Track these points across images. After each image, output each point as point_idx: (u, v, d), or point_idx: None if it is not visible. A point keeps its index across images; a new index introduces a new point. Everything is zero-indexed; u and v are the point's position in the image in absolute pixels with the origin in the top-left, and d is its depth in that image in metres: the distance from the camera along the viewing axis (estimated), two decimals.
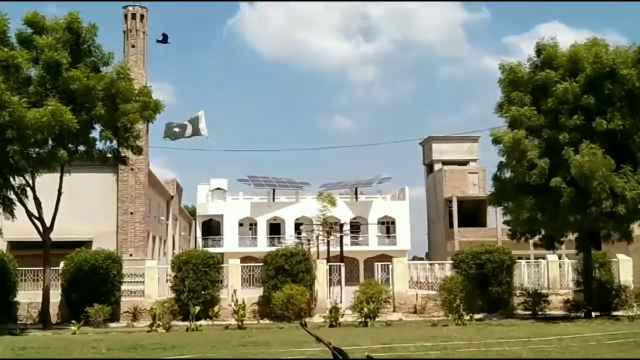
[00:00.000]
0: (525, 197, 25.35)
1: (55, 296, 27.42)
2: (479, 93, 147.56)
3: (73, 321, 24.64)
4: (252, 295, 28.92)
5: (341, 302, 29.01)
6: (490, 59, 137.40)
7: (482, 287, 28.44)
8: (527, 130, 25.31)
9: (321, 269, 30.14)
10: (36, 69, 24.53)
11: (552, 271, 31.59)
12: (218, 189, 74.58)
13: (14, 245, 34.64)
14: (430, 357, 14.80)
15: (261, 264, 29.67)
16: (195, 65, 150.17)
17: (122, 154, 27.57)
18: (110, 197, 39.62)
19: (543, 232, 27.64)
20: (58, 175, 26.14)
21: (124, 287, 28.74)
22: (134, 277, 30.30)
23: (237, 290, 28.39)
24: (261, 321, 27.21)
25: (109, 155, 27.20)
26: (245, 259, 41.65)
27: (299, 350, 15.72)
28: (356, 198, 75.52)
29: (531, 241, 29.35)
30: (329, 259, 40.48)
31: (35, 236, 26.65)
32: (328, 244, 51.68)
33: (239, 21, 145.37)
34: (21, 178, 25.70)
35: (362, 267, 66.44)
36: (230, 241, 71.14)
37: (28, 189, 26.01)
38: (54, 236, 26.82)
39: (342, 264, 33.62)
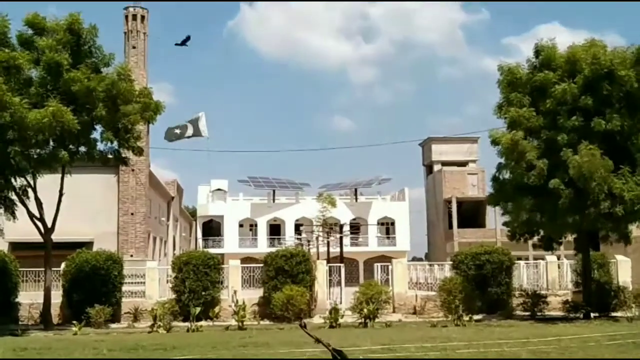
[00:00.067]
0: (524, 198, 25.34)
1: (57, 297, 27.42)
2: (479, 93, 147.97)
3: (74, 322, 24.62)
4: (253, 296, 28.93)
5: (341, 303, 29.03)
6: (489, 59, 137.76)
7: (482, 288, 28.43)
8: (526, 131, 25.30)
9: (321, 270, 30.14)
10: (37, 70, 24.52)
11: (551, 272, 31.61)
12: (218, 189, 74.64)
13: (15, 246, 34.62)
14: (430, 357, 14.79)
15: (261, 265, 29.67)
16: (195, 66, 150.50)
17: (123, 155, 27.55)
18: (111, 198, 39.63)
19: (542, 233, 27.63)
20: (59, 176, 26.14)
21: (124, 288, 28.74)
22: (134, 278, 30.31)
23: (237, 291, 28.40)
24: (261, 322, 27.22)
25: (109, 156, 27.18)
26: (246, 259, 41.65)
27: (299, 351, 15.70)
28: (356, 199, 75.56)
29: (530, 242, 29.33)
30: (328, 260, 40.48)
31: (36, 237, 26.65)
32: (328, 244, 51.68)
33: (239, 21, 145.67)
34: (22, 179, 25.68)
35: (362, 268, 66.44)
36: (230, 242, 71.18)
37: (29, 189, 26.00)
38: (55, 237, 26.82)
39: (342, 264, 33.61)
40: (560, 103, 24.72)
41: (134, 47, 40.80)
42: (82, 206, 35.97)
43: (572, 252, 30.41)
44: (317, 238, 55.77)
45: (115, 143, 26.53)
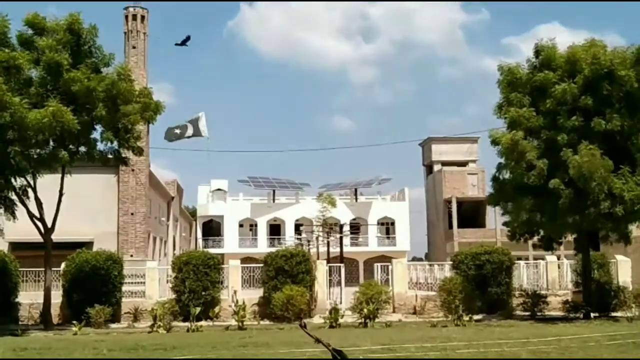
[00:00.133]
0: (524, 198, 25.34)
1: (57, 297, 27.42)
2: (479, 93, 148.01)
3: (74, 322, 24.62)
4: (253, 296, 28.93)
5: (341, 303, 29.03)
6: (489, 59, 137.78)
7: (482, 288, 28.44)
8: (526, 131, 25.30)
9: (321, 270, 30.15)
10: (37, 70, 24.52)
11: (551, 272, 31.61)
12: (218, 189, 74.65)
13: (15, 246, 34.62)
14: (430, 357, 14.80)
15: (261, 265, 29.68)
16: (195, 66, 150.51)
17: (123, 155, 27.55)
18: (111, 198, 39.63)
19: (542, 233, 27.63)
20: (59, 176, 26.15)
21: (124, 288, 28.74)
22: (134, 278, 30.31)
23: (237, 291, 28.40)
24: (261, 322, 27.22)
25: (109, 156, 27.18)
26: (246, 259, 41.65)
27: (299, 351, 15.70)
28: (356, 199, 75.57)
29: (530, 242, 29.34)
30: (328, 260, 40.49)
31: (36, 237, 26.66)
32: (328, 244, 51.69)
33: (239, 21, 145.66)
34: (22, 179, 25.68)
35: (362, 268, 66.44)
36: (230, 242, 71.19)
37: (29, 189, 26.00)
38: (55, 237, 26.82)
39: (342, 264, 33.62)
40: (560, 103, 24.72)
41: (134, 47, 40.80)
42: (82, 206, 35.97)
43: (572, 252, 30.40)
44: (317, 238, 55.76)
45: (115, 143, 26.53)
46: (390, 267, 31.06)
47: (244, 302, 26.60)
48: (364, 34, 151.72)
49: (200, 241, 72.52)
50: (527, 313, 27.73)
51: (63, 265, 27.93)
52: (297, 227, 71.06)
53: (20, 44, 25.01)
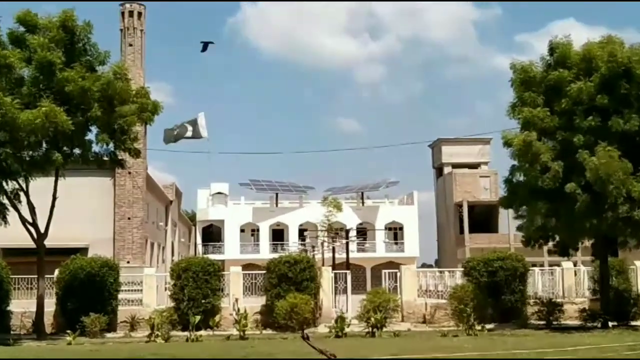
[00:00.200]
0: (538, 202, 25.30)
1: (50, 305, 27.43)
2: (491, 93, 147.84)
3: (68, 331, 24.59)
4: (255, 304, 28.93)
5: (347, 311, 28.99)
6: (502, 57, 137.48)
7: (494, 296, 28.39)
8: (541, 132, 25.25)
9: (326, 277, 30.13)
10: (29, 69, 24.55)
11: (567, 279, 31.52)
12: (219, 193, 74.71)
13: (6, 252, 34.68)
14: None
15: (264, 272, 29.67)
16: (195, 64, 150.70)
17: (119, 157, 27.57)
18: (106, 202, 39.60)
19: (557, 238, 27.58)
20: (52, 179, 26.18)
21: (121, 295, 28.74)
22: (131, 286, 30.30)
23: (238, 299, 28.40)
24: (264, 331, 27.21)
25: (105, 158, 27.21)
26: (247, 266, 41.66)
27: None
28: (362, 203, 75.58)
29: (545, 248, 29.29)
30: (334, 267, 40.45)
31: (29, 243, 26.69)
32: (333, 250, 51.78)
33: (240, 19, 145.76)
34: (14, 182, 25.70)
35: (369, 275, 66.60)
36: (231, 248, 71.27)
37: (21, 193, 26.02)
38: (49, 243, 26.85)
39: (348, 271, 33.59)
40: (576, 102, 24.68)
41: (130, 45, 40.80)
42: (76, 211, 35.95)
43: (590, 258, 30.34)
44: (322, 244, 55.85)
45: (111, 145, 26.54)
46: (398, 274, 31.01)
47: (245, 311, 26.59)
48: (371, 30, 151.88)
49: (199, 247, 72.64)
50: (542, 322, 27.66)
51: (57, 272, 27.95)
52: (301, 232, 71.15)
53: (12, 42, 25.06)
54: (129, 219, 39.89)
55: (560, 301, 29.12)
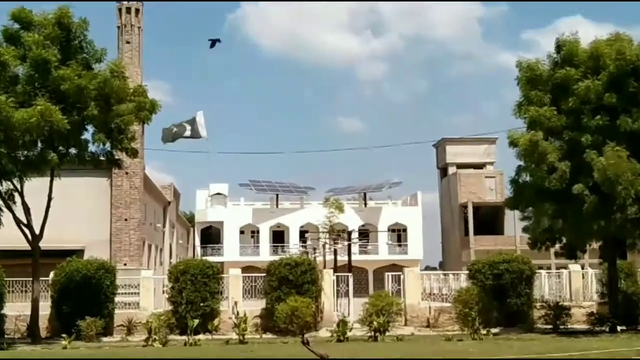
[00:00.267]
0: (545, 203, 25.31)
1: (45, 308, 27.45)
2: (496, 91, 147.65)
3: (64, 335, 24.59)
4: (254, 307, 28.92)
5: (349, 315, 29.00)
6: (507, 54, 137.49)
7: (500, 299, 28.39)
8: (547, 132, 25.26)
9: (328, 280, 30.12)
10: (24, 67, 24.56)
11: (574, 282, 31.49)
12: (218, 194, 74.70)
13: (0, 254, 34.59)
14: None
15: (264, 274, 29.67)
16: (193, 63, 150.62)
17: (116, 157, 27.60)
18: (103, 203, 39.61)
19: (564, 240, 27.58)
20: (48, 179, 26.20)
21: (117, 298, 28.74)
22: (128, 288, 30.30)
23: (238, 302, 28.42)
24: (264, 335, 27.21)
25: (102, 158, 27.23)
26: (247, 268, 41.70)
27: None
28: (365, 204, 75.56)
29: (552, 250, 29.28)
30: (336, 269, 40.41)
31: (23, 244, 26.71)
32: (335, 252, 51.74)
33: (240, 15, 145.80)
34: (9, 183, 25.75)
35: (372, 278, 66.57)
36: (230, 250, 71.27)
37: (16, 194, 26.07)
38: (44, 244, 26.86)
39: (350, 274, 33.59)
40: (584, 101, 24.68)
41: (127, 43, 40.81)
42: (72, 212, 35.97)
43: (597, 260, 30.32)
44: (323, 246, 55.84)
45: (108, 144, 26.58)
46: (401, 276, 31.00)
47: (245, 314, 26.59)
48: (373, 27, 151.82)
49: (198, 249, 72.65)
50: (549, 326, 27.69)
51: (52, 274, 27.97)
52: (302, 234, 71.15)
53: (6, 39, 25.09)
54: (126, 220, 39.91)
55: (567, 305, 29.12)
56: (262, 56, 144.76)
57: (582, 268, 33.01)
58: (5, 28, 25.13)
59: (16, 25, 25.25)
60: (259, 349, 21.64)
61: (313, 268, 29.10)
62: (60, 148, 25.38)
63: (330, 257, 51.82)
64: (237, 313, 26.79)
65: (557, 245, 28.17)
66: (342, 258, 51.69)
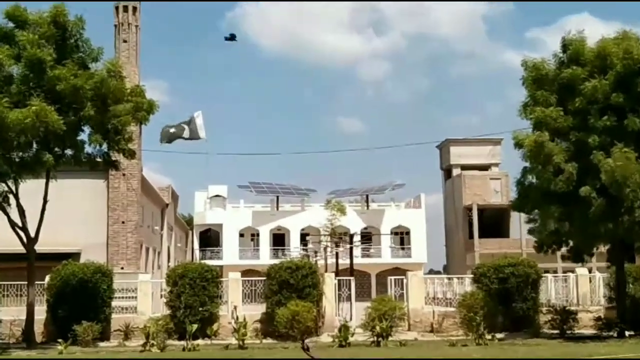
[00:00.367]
0: (551, 205, 25.30)
1: (40, 313, 27.45)
2: (501, 90, 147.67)
3: (59, 340, 24.63)
4: (254, 312, 28.94)
5: (351, 319, 28.99)
6: (512, 53, 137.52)
7: (505, 304, 28.38)
8: (554, 133, 25.26)
9: (329, 284, 30.13)
10: (18, 66, 24.58)
11: (581, 286, 31.49)
12: (217, 196, 74.72)
13: None
14: None
15: (264, 278, 29.67)
16: (192, 62, 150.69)
17: (113, 158, 27.64)
18: (100, 205, 39.66)
19: (571, 243, 27.58)
20: (43, 181, 26.23)
21: (114, 303, 28.76)
22: (125, 292, 30.33)
23: (237, 306, 28.41)
24: (264, 340, 27.23)
25: (98, 159, 27.26)
26: (247, 272, 41.66)
27: None
28: (367, 206, 75.60)
29: (559, 253, 29.28)
30: (337, 273, 40.46)
31: (18, 247, 26.73)
32: (337, 256, 51.71)
33: (239, 14, 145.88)
34: (3, 184, 25.80)
35: (374, 282, 66.63)
36: (230, 253, 71.29)
37: (11, 196, 26.09)
38: (39, 248, 26.90)
39: (352, 278, 33.58)
40: (591, 101, 24.67)
41: (124, 41, 40.87)
42: (68, 214, 36.04)
43: (605, 264, 30.31)
44: (324, 249, 55.80)
45: (105, 145, 26.59)
46: (405, 280, 31.01)
47: (244, 319, 26.62)
48: (375, 26, 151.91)
49: (197, 252, 72.65)
50: (555, 331, 27.67)
51: (47, 278, 27.98)
52: (303, 237, 71.11)
53: (0, 38, 25.11)
54: (123, 222, 39.95)
55: (574, 309, 29.08)
56: (262, 56, 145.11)
57: (590, 272, 32.98)
58: None
59: (10, 24, 25.29)
60: (259, 354, 21.69)
61: (314, 272, 29.10)
62: (56, 149, 25.40)
63: (331, 260, 51.75)
64: (237, 318, 26.80)
65: (564, 249, 28.15)
66: (344, 261, 51.69)
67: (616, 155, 23.46)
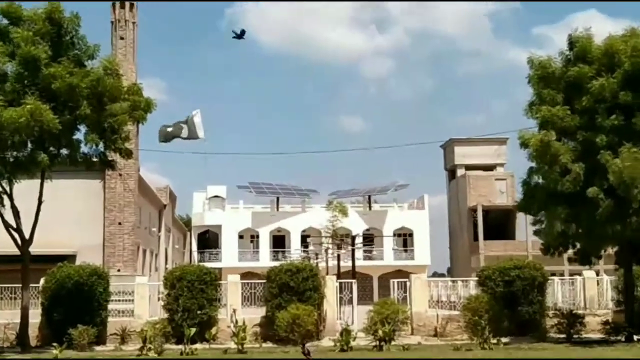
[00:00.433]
0: (557, 206, 25.29)
1: (35, 316, 27.46)
2: (506, 89, 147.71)
3: (54, 344, 24.59)
4: (254, 315, 28.92)
5: (353, 323, 28.96)
6: (518, 51, 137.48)
7: (511, 307, 28.36)
8: (560, 132, 25.26)
9: (331, 287, 30.11)
10: (12, 64, 24.58)
11: (589, 289, 31.46)
12: (216, 197, 74.75)
13: None
14: None
15: (264, 281, 29.66)
16: (191, 60, 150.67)
17: (110, 158, 27.63)
18: (96, 205, 39.66)
19: (578, 245, 27.58)
20: (38, 181, 26.23)
21: (111, 306, 28.74)
22: (122, 295, 30.33)
23: (236, 309, 28.40)
24: (264, 344, 27.22)
25: (94, 159, 27.24)
26: (246, 274, 41.76)
27: None
28: (369, 207, 75.61)
29: (565, 256, 29.28)
30: (339, 275, 40.48)
31: (12, 249, 26.75)
32: (338, 258, 51.76)
33: (238, 10, 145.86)
34: None
35: (377, 284, 66.59)
36: (229, 255, 71.32)
37: (5, 196, 26.10)
38: (34, 249, 26.91)
39: (354, 280, 33.55)
40: (598, 100, 24.67)
41: (122, 39, 40.85)
42: (63, 215, 36.06)
43: (613, 266, 30.29)
44: (326, 251, 55.86)
45: (101, 145, 26.57)
46: (408, 283, 30.98)
47: (244, 322, 26.61)
48: (378, 22, 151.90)
49: (195, 254, 72.69)
50: (562, 335, 27.64)
51: (42, 280, 27.97)
52: (304, 239, 71.17)
53: None
54: (119, 224, 39.95)
55: (581, 313, 29.06)
56: (262, 53, 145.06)
57: (597, 274, 32.96)
58: None
59: (4, 21, 25.31)
60: (259, 359, 21.64)
61: (315, 274, 29.09)
62: (51, 149, 25.41)
63: (333, 262, 51.84)
64: (236, 321, 26.78)
65: (571, 251, 28.15)
66: (346, 264, 51.71)
67: (624, 155, 23.46)
